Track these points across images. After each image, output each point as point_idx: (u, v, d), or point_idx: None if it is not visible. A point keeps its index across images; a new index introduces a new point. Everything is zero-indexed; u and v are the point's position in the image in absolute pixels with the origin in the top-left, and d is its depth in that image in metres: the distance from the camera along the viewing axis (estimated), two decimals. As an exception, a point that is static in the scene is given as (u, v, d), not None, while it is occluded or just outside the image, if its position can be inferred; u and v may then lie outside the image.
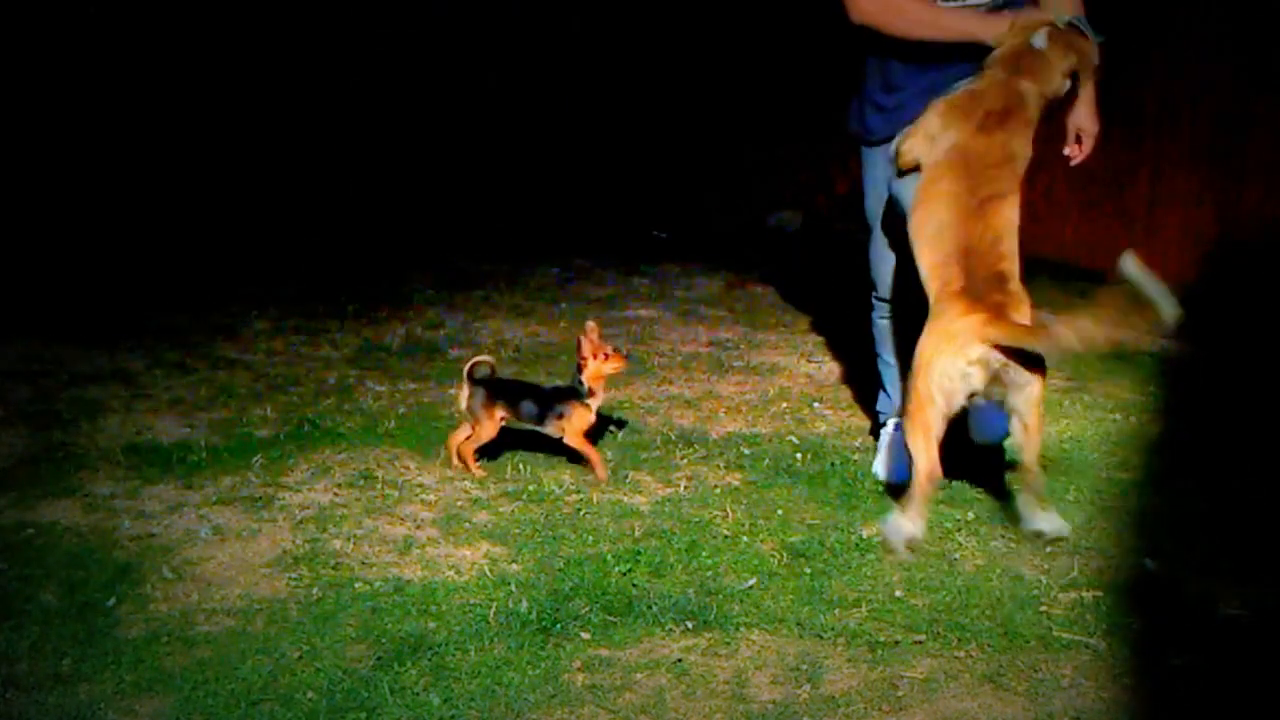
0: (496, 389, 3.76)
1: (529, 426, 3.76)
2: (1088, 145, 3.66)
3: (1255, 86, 5.60)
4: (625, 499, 3.56)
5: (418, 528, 3.36)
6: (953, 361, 3.05)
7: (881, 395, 3.91)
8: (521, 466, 3.76)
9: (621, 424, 4.09)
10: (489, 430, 3.73)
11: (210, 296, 5.87)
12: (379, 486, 3.63)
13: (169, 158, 7.99)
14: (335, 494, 3.59)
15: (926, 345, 3.11)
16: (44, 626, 2.79)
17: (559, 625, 2.80)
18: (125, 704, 2.51)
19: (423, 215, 7.86)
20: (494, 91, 8.54)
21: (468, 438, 3.75)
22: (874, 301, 3.82)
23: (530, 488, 3.62)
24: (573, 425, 3.70)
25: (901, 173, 3.40)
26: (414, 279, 6.34)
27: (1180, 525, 3.36)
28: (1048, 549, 3.21)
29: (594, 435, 3.81)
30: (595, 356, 3.68)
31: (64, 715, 2.47)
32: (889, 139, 3.50)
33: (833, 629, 2.80)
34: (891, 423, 3.75)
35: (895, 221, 3.53)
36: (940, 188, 3.21)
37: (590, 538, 3.28)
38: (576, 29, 8.54)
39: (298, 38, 8.43)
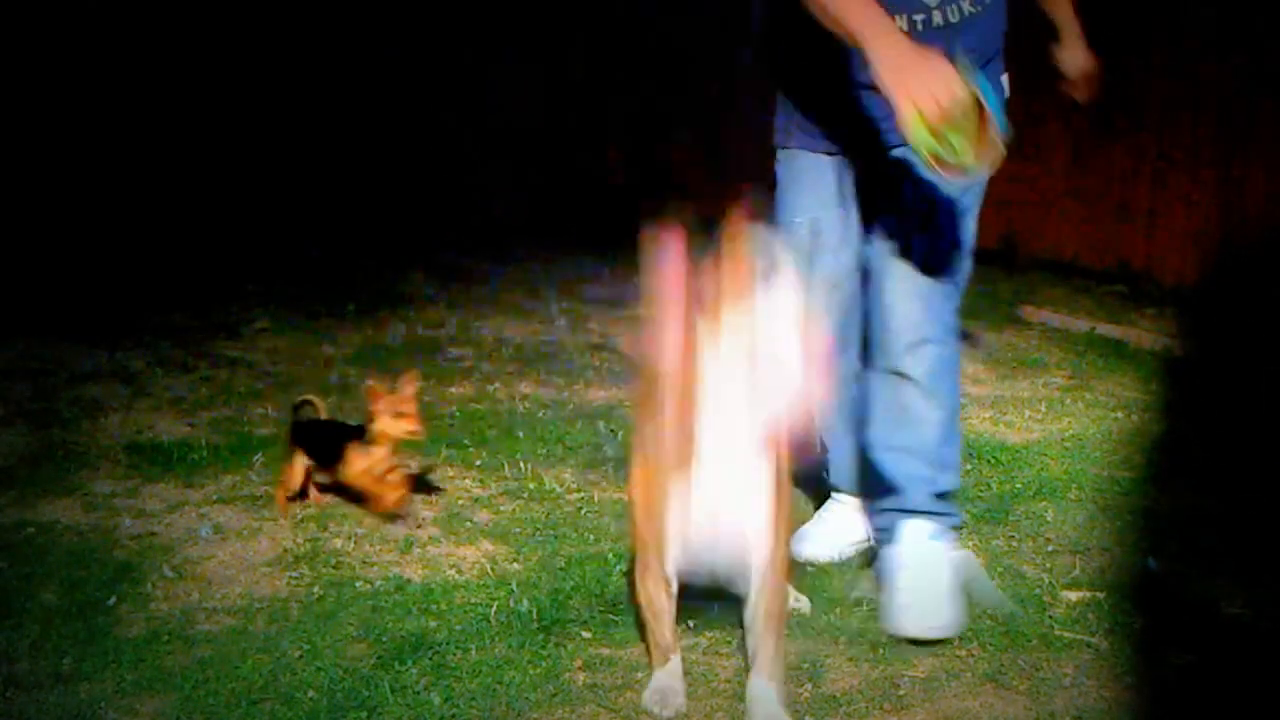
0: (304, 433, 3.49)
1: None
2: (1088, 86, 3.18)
3: (1257, 86, 5.59)
4: (627, 497, 3.56)
5: (418, 526, 3.36)
6: None
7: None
8: (522, 465, 3.76)
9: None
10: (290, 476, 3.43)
11: (211, 295, 5.87)
12: (380, 485, 3.63)
13: (169, 157, 7.99)
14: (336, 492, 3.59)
15: None
16: (44, 625, 2.79)
17: (560, 624, 2.80)
18: (126, 703, 2.50)
19: (423, 214, 7.85)
20: (494, 90, 8.53)
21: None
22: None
23: (531, 486, 3.62)
24: (348, 468, 3.36)
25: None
26: (415, 277, 6.34)
27: (1183, 524, 3.36)
28: (1049, 548, 3.22)
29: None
30: (387, 413, 3.30)
31: (64, 714, 2.46)
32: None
33: (834, 628, 2.80)
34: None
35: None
36: None
37: (591, 536, 3.28)
38: (576, 29, 8.54)
39: (297, 36, 8.42)
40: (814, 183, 3.00)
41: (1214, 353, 4.98)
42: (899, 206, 2.86)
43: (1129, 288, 5.97)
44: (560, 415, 4.24)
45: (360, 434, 3.35)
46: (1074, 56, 3.16)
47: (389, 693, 2.53)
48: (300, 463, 3.41)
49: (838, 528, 3.24)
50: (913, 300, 2.86)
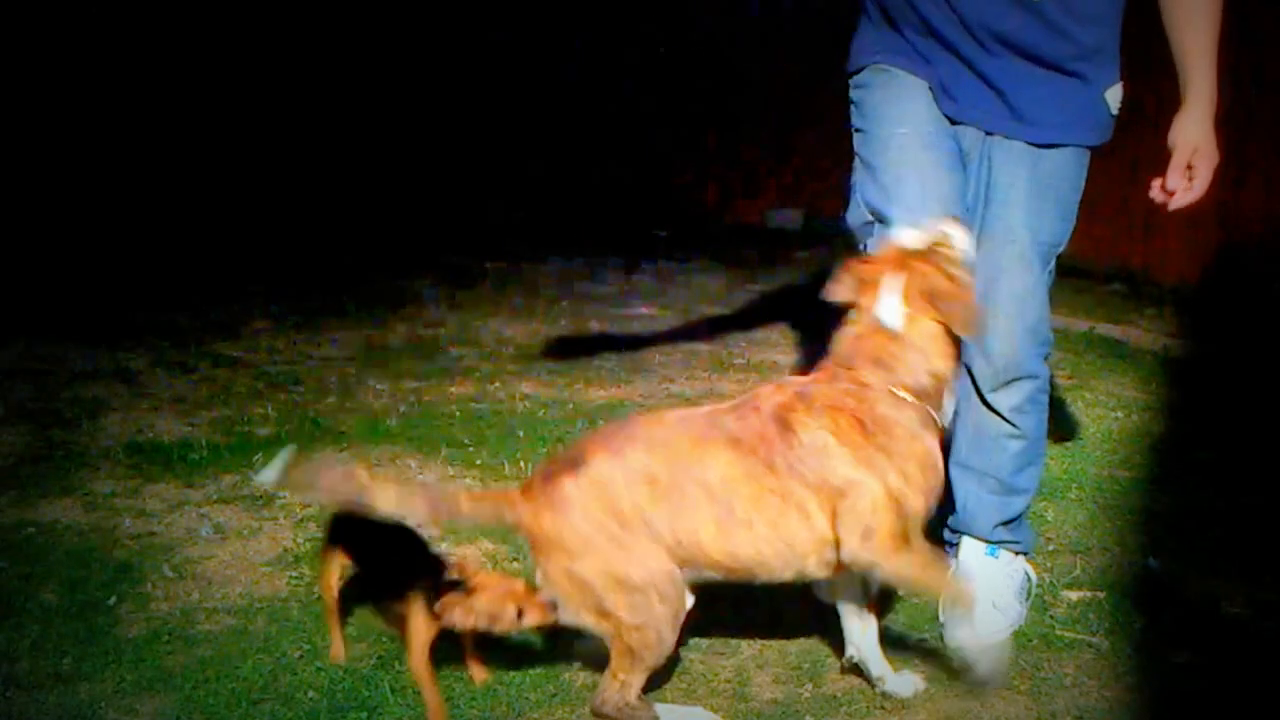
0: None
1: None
2: (1200, 178, 2.84)
3: (1255, 86, 5.59)
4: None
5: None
6: None
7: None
8: (522, 464, 3.76)
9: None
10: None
11: (211, 295, 5.86)
12: (380, 485, 3.62)
13: (169, 156, 7.99)
14: (336, 492, 3.58)
15: None
16: (45, 625, 2.79)
17: (559, 624, 2.79)
18: (126, 703, 2.50)
19: (424, 213, 7.85)
20: (494, 90, 8.53)
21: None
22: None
23: (531, 486, 3.61)
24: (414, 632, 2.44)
25: None
26: (415, 277, 6.33)
27: (1183, 523, 3.36)
28: (1049, 547, 3.21)
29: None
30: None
31: (64, 714, 2.46)
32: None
33: (834, 628, 2.79)
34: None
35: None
36: None
37: (591, 536, 3.27)
38: (578, 29, 8.54)
39: (297, 36, 8.42)
40: (916, 98, 2.76)
41: (1214, 353, 4.98)
42: (997, 212, 2.82)
43: (1129, 288, 5.97)
44: (560, 415, 4.23)
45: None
46: (1185, 129, 2.81)
47: (389, 693, 2.53)
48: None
49: None
50: (1015, 336, 2.79)
